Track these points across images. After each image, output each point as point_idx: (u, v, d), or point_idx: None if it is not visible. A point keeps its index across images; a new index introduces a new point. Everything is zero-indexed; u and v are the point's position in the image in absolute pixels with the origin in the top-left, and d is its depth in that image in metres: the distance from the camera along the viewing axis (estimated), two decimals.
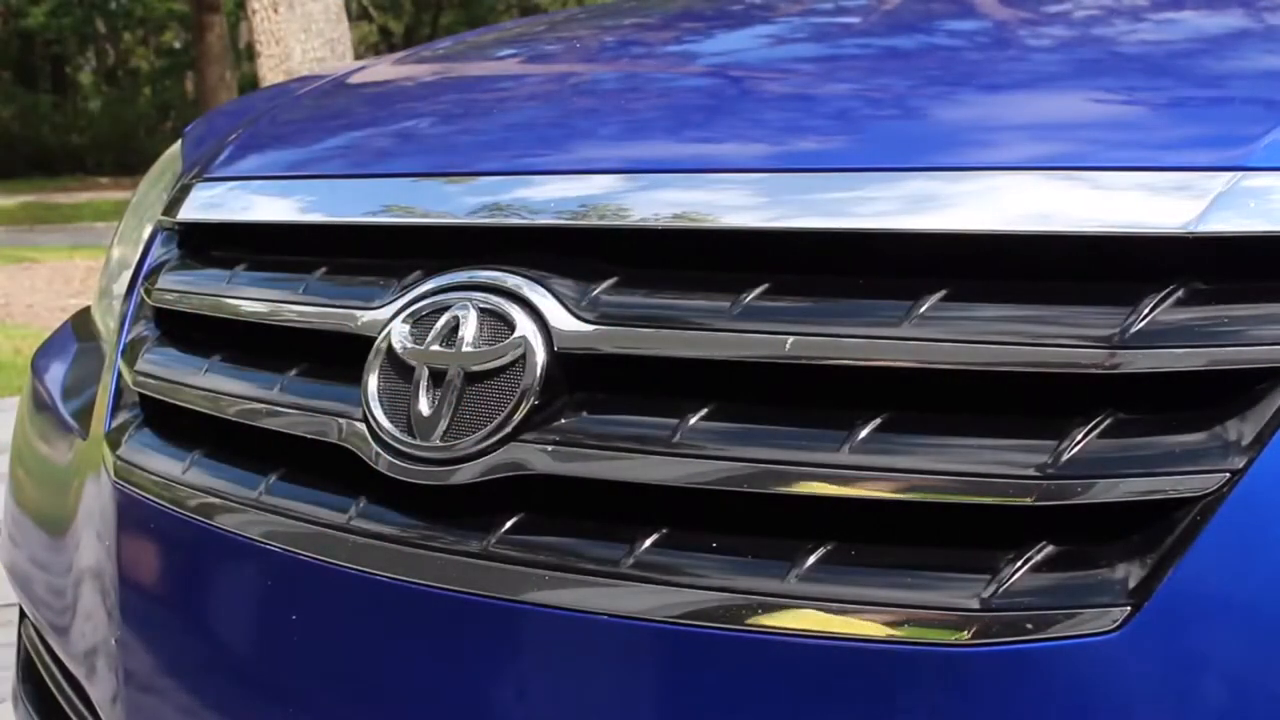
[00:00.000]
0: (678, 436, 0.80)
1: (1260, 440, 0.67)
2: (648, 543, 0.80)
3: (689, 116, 1.03)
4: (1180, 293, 0.71)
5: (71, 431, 1.33)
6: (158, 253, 1.30)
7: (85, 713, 1.23)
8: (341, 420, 0.96)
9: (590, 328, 0.86)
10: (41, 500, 1.38)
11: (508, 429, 0.86)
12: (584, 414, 0.85)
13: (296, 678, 0.96)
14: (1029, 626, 0.68)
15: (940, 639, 0.70)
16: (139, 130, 27.59)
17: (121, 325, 1.30)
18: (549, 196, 0.93)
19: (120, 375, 1.24)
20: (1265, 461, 0.67)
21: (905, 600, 0.71)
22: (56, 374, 1.51)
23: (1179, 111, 0.86)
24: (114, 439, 1.19)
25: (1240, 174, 0.72)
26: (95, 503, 1.20)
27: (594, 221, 0.90)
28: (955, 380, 0.75)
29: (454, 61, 1.51)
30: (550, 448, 0.84)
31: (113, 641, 1.12)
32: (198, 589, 1.07)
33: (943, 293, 0.76)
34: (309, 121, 1.38)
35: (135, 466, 1.13)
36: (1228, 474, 0.67)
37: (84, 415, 1.32)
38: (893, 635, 0.71)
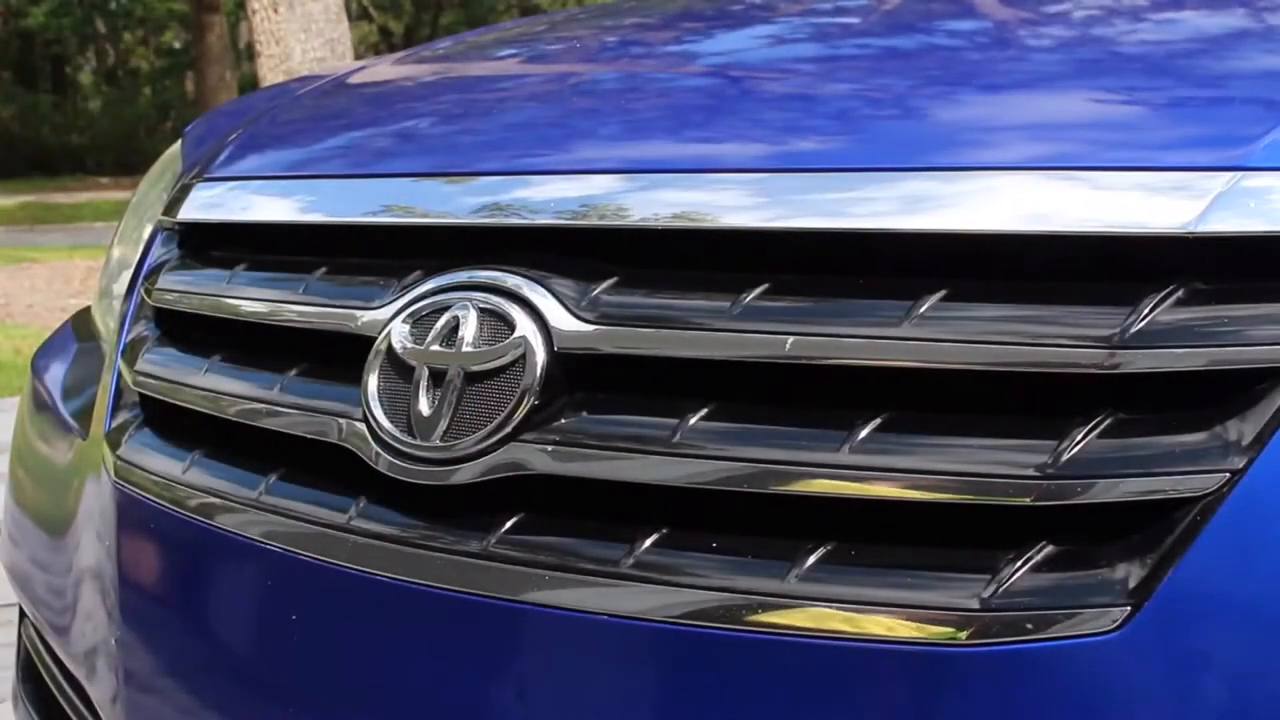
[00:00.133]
0: (678, 436, 0.80)
1: (1260, 440, 0.67)
2: (648, 543, 0.80)
3: (689, 116, 1.03)
4: (1180, 293, 0.71)
5: (71, 431, 1.33)
6: (158, 253, 1.30)
7: (85, 713, 1.23)
8: (341, 420, 0.96)
9: (590, 328, 0.86)
10: (41, 500, 1.38)
11: (508, 429, 0.86)
12: (584, 414, 0.85)
13: (296, 678, 0.96)
14: (1029, 626, 0.68)
15: (940, 639, 0.70)
16: (139, 130, 27.59)
17: (121, 325, 1.30)
18: (549, 196, 0.93)
19: (120, 375, 1.24)
20: (1265, 461, 0.67)
21: (905, 600, 0.71)
22: (56, 374, 1.51)
23: (1179, 111, 0.86)
24: (114, 439, 1.19)
25: (1240, 174, 0.72)
26: (95, 503, 1.20)
27: (594, 221, 0.90)
28: (955, 380, 0.75)
29: (454, 61, 1.52)
30: (550, 448, 0.84)
31: (113, 641, 1.12)
32: (198, 589, 1.07)
33: (943, 293, 0.76)
34: (309, 121, 1.38)
35: (135, 466, 1.13)
36: (1228, 474, 0.67)
37: (84, 415, 1.32)
38: (893, 635, 0.71)
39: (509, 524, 0.85)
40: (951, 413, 0.75)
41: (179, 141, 1.59)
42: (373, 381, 0.93)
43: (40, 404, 1.47)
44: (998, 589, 0.70)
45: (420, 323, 0.92)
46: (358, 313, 0.98)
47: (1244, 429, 0.68)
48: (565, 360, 0.86)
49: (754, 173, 0.87)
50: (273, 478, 1.00)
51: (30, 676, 1.47)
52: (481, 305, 0.90)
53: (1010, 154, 0.83)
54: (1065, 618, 0.68)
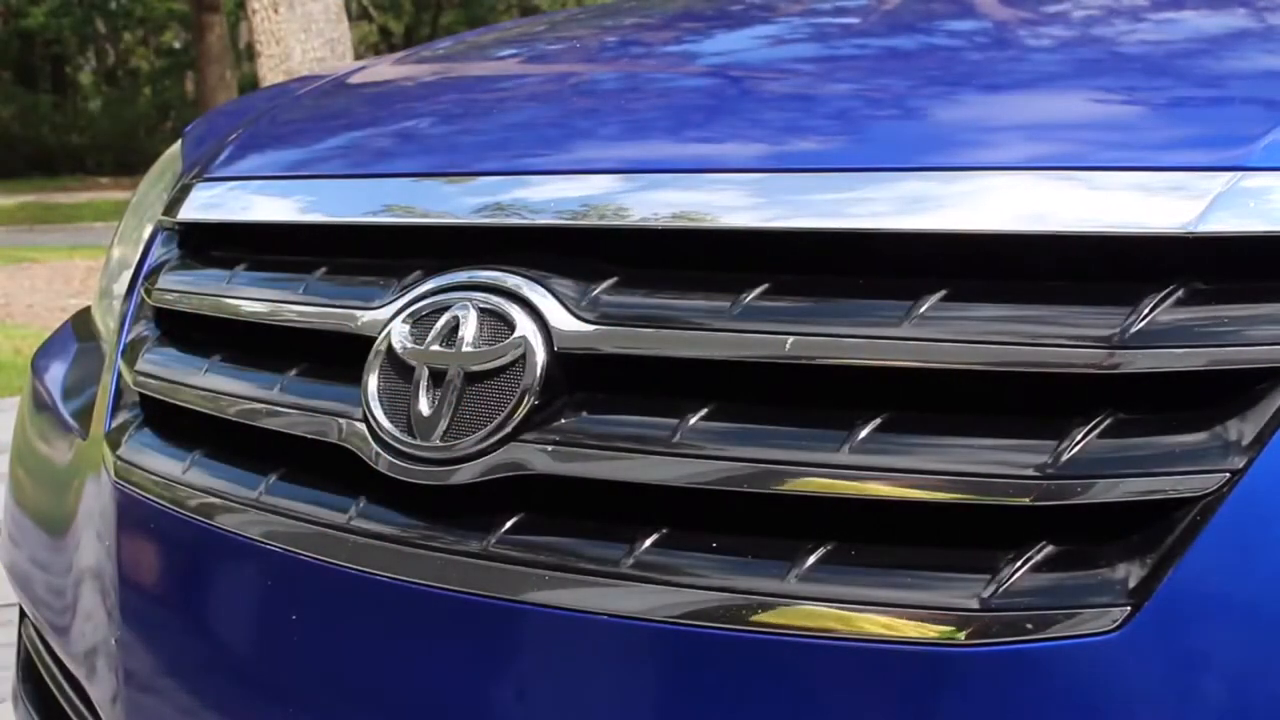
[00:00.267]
0: (678, 436, 0.80)
1: (1260, 440, 0.67)
2: (648, 543, 0.80)
3: (689, 117, 1.03)
4: (1180, 293, 0.71)
5: (71, 431, 1.33)
6: (158, 253, 1.30)
7: (85, 713, 1.23)
8: (341, 420, 0.96)
9: (590, 328, 0.86)
10: (41, 500, 1.38)
11: (508, 429, 0.86)
12: (584, 414, 0.85)
13: (296, 678, 0.96)
14: (1029, 626, 0.68)
15: (940, 639, 0.70)
16: (139, 130, 27.60)
17: (121, 325, 1.30)
18: (549, 196, 0.93)
19: (120, 375, 1.24)
20: (1265, 461, 0.67)
21: (905, 600, 0.71)
22: (56, 374, 1.51)
23: (1179, 111, 0.86)
24: (114, 439, 1.19)
25: (1240, 174, 0.72)
26: (95, 503, 1.20)
27: (594, 221, 0.90)
28: (955, 380, 0.75)
29: (454, 61, 1.52)
30: (550, 448, 0.84)
31: (113, 641, 1.12)
32: (198, 589, 1.07)
33: (943, 293, 0.76)
34: (309, 121, 1.38)
35: (135, 466, 1.13)
36: (1228, 474, 0.67)
37: (84, 415, 1.32)
38: (893, 635, 0.71)
39: (509, 524, 0.85)
40: (951, 413, 0.75)
41: (179, 141, 1.59)
42: (373, 381, 0.93)
43: (40, 404, 1.47)
44: (997, 589, 0.70)
45: (420, 323, 0.92)
46: (358, 313, 0.98)
47: (1244, 429, 0.68)
48: (565, 360, 0.86)
49: (754, 173, 0.87)
50: (273, 478, 1.00)
51: (30, 676, 1.47)
52: (481, 305, 0.90)
53: (1011, 154, 0.83)
54: (1065, 618, 0.68)
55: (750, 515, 0.78)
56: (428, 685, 0.86)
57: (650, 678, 0.79)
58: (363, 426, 0.93)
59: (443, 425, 0.88)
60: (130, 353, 1.23)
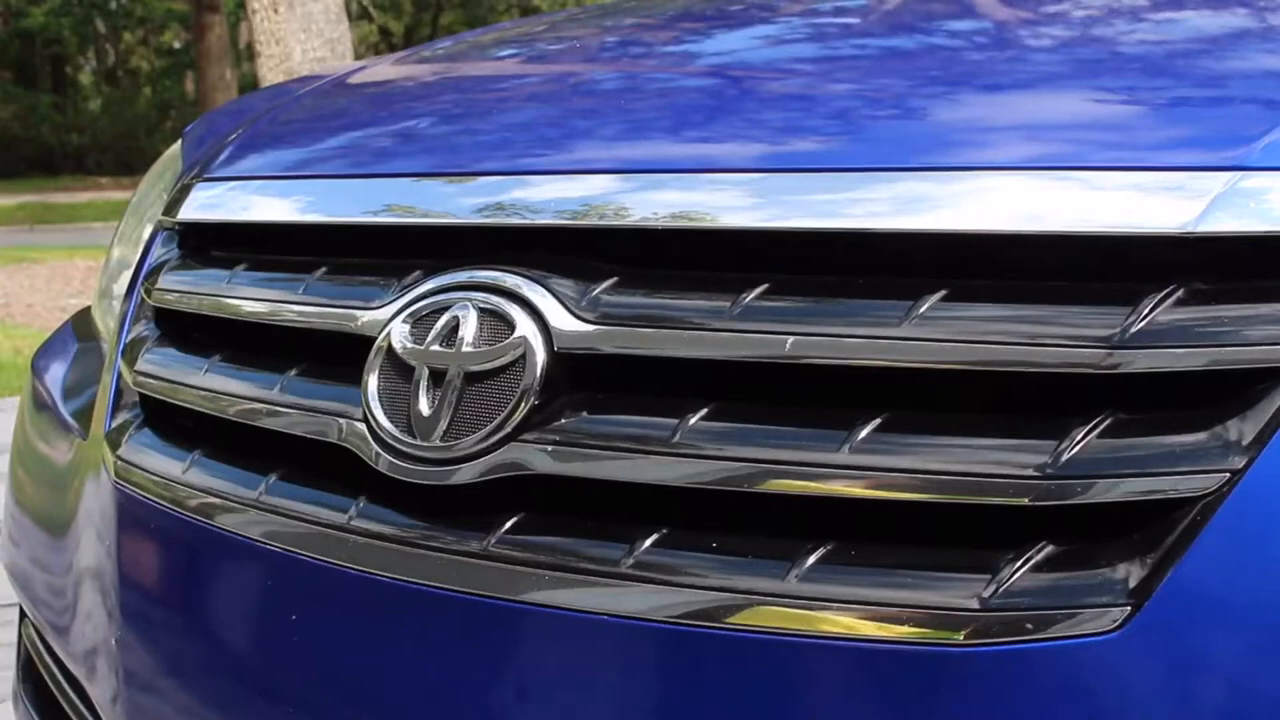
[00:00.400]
0: (677, 436, 0.80)
1: (1260, 440, 0.67)
2: (647, 543, 0.80)
3: (688, 117, 1.03)
4: (1180, 293, 0.71)
5: (71, 431, 1.33)
6: (158, 253, 1.30)
7: (85, 713, 1.23)
8: (341, 420, 0.96)
9: (590, 328, 0.86)
10: (41, 500, 1.38)
11: (508, 429, 0.86)
12: (584, 414, 0.85)
13: (296, 678, 0.96)
14: (1028, 626, 0.68)
15: (940, 639, 0.70)
16: (139, 130, 27.60)
17: (121, 325, 1.30)
18: (549, 196, 0.93)
19: (120, 375, 1.24)
20: (1265, 461, 0.67)
21: (905, 600, 0.71)
22: (56, 374, 1.51)
23: (1178, 111, 0.86)
24: (114, 439, 1.19)
25: (1239, 174, 0.72)
26: (95, 503, 1.20)
27: (594, 221, 0.90)
28: (955, 380, 0.75)
29: (454, 61, 1.52)
30: (550, 448, 0.84)
31: (113, 641, 1.12)
32: (198, 589, 1.07)
33: (943, 293, 0.76)
34: (309, 121, 1.38)
35: (135, 466, 1.14)
36: (1228, 474, 0.67)
37: (84, 415, 1.32)
38: (892, 635, 0.71)
39: (509, 524, 0.85)
40: (951, 413, 0.75)
41: (179, 141, 1.59)
42: (373, 381, 0.93)
43: (40, 404, 1.47)
44: (997, 589, 0.70)
45: (420, 323, 0.92)
46: (358, 313, 0.98)
47: (1244, 429, 0.68)
48: (565, 360, 0.86)
49: (753, 173, 0.87)
50: (273, 478, 1.00)
51: (30, 676, 1.47)
52: (481, 305, 0.90)
53: (1011, 154, 0.83)
54: (1065, 618, 0.68)
55: (750, 515, 0.78)
56: (428, 685, 0.86)
57: (650, 678, 0.79)
58: (363, 426, 0.93)
59: (443, 425, 0.88)
60: (130, 353, 1.23)
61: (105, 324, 1.51)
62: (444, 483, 0.87)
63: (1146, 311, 0.71)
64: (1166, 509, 0.68)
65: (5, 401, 5.15)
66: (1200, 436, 0.69)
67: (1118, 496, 0.69)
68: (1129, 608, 0.67)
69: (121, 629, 1.11)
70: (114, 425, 1.22)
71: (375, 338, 0.95)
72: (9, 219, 16.31)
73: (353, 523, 0.92)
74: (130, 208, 1.64)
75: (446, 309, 0.91)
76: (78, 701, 1.26)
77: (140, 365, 1.19)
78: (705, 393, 0.82)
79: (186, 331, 1.20)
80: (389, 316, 0.95)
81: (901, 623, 0.71)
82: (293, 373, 1.03)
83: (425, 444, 0.88)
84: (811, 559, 0.75)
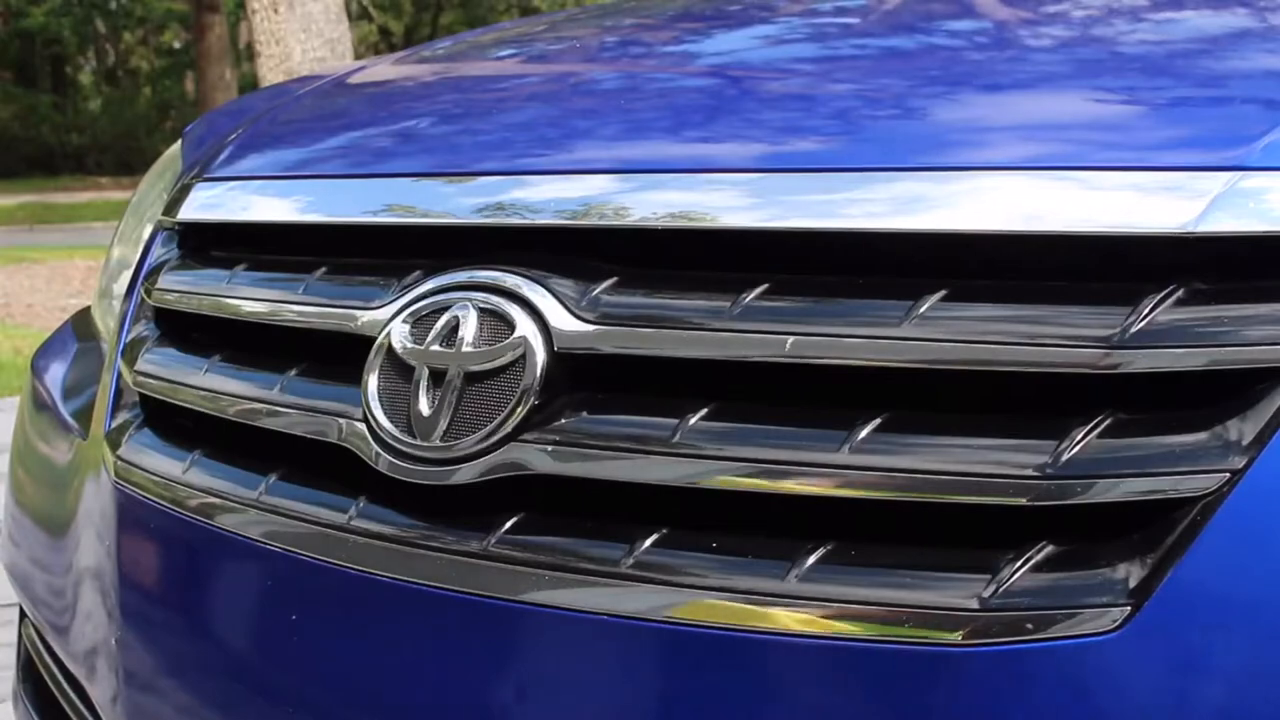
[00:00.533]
0: (677, 436, 0.80)
1: (1260, 440, 0.67)
2: (648, 543, 0.80)
3: (688, 117, 1.03)
4: (1180, 293, 0.71)
5: (71, 431, 1.33)
6: (158, 253, 1.30)
7: (85, 713, 1.23)
8: (341, 420, 0.96)
9: (590, 328, 0.86)
10: (41, 500, 1.38)
11: (507, 429, 0.86)
12: (584, 414, 0.85)
13: (296, 678, 0.96)
14: (1028, 626, 0.68)
15: (940, 639, 0.70)
16: (139, 130, 27.61)
17: (121, 325, 1.30)
18: (548, 196, 0.93)
19: (120, 375, 1.24)
20: (1265, 461, 0.67)
21: (905, 600, 0.71)
22: (56, 374, 1.51)
23: (1178, 111, 0.86)
24: (114, 439, 1.19)
25: (1239, 174, 0.72)
26: (95, 503, 1.20)
27: (593, 221, 0.90)
28: (955, 380, 0.75)
29: (454, 61, 1.52)
30: (550, 448, 0.84)
31: (113, 641, 1.12)
32: (198, 589, 1.07)
33: (943, 293, 0.76)
34: (309, 121, 1.38)
35: (135, 466, 1.14)
36: (1228, 474, 0.67)
37: (84, 415, 1.32)
38: (892, 635, 0.71)
39: (509, 524, 0.85)
40: (951, 413, 0.75)
41: (179, 141, 1.59)
42: (373, 381, 0.93)
43: (40, 404, 1.47)
44: (997, 589, 0.70)
45: (420, 323, 0.92)
46: (357, 313, 0.98)
47: (1244, 429, 0.68)
48: (565, 360, 0.86)
49: (753, 173, 0.87)
50: (273, 478, 1.00)
51: (30, 676, 1.47)
52: (481, 305, 0.90)
53: (1010, 154, 0.83)
54: (1065, 618, 0.68)
55: (750, 515, 0.78)
56: (428, 685, 0.86)
57: (650, 677, 0.79)
58: (363, 426, 0.93)
59: (443, 425, 0.88)
60: (130, 353, 1.23)
61: (105, 324, 1.51)
62: (444, 483, 0.87)
63: (1146, 311, 0.71)
64: (1166, 509, 0.68)
65: (5, 401, 5.16)
66: (1200, 436, 0.69)
67: (1117, 496, 0.69)
68: (1129, 608, 0.67)
69: (121, 629, 1.11)
70: (114, 425, 1.22)
71: (375, 338, 0.95)
72: (9, 219, 16.31)
73: (353, 523, 0.92)
74: (130, 208, 1.64)
75: (446, 309, 0.91)
76: (78, 701, 1.26)
77: (140, 365, 1.19)
78: (705, 393, 0.82)
79: (186, 331, 1.20)
80: (389, 316, 0.95)
81: (901, 623, 0.71)
82: (293, 373, 1.03)
83: (425, 444, 0.88)
84: (811, 559, 0.75)
